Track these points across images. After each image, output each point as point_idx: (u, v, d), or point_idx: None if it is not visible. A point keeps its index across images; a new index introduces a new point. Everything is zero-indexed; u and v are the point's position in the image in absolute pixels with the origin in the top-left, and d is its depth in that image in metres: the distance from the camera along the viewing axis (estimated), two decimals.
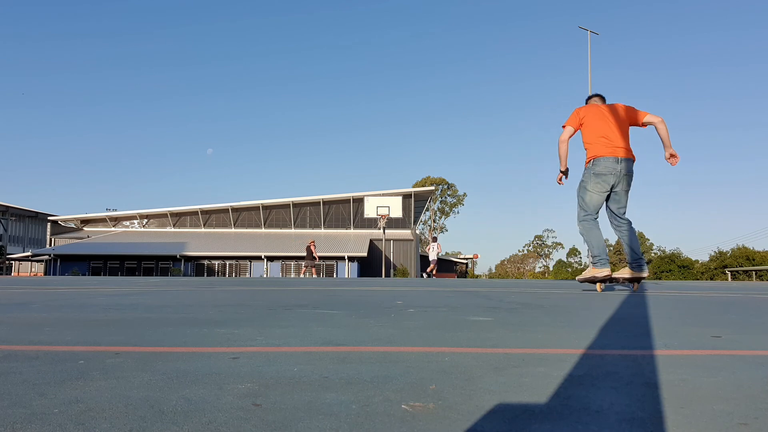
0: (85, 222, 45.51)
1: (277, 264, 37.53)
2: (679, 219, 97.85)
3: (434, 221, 70.83)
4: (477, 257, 45.47)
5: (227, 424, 0.77)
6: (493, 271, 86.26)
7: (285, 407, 0.86)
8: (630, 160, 5.16)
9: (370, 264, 38.56)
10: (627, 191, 5.19)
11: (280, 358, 1.31)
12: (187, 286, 6.71)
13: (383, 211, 29.27)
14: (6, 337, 1.67)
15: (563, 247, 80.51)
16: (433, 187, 48.98)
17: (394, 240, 39.82)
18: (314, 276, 25.40)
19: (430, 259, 21.79)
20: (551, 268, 71.40)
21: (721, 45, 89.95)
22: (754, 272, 31.53)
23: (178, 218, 44.23)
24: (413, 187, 54.51)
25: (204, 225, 43.83)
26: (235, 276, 34.99)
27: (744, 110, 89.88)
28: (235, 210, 43.45)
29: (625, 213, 5.25)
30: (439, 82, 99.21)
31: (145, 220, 44.70)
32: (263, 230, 43.26)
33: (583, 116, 5.31)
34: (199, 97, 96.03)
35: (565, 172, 5.45)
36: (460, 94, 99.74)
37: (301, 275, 23.82)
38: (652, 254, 59.19)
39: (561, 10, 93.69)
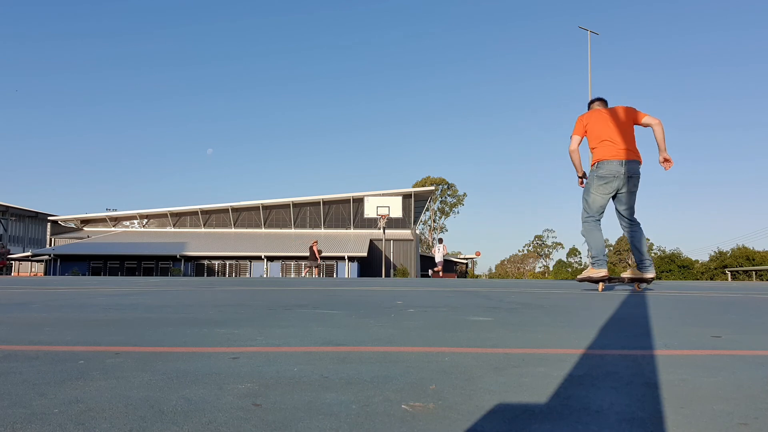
0: (85, 222, 45.50)
1: (277, 264, 37.51)
2: (679, 219, 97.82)
3: (434, 221, 70.85)
4: (479, 254, 45.33)
5: (227, 424, 0.77)
6: (493, 271, 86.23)
7: (285, 407, 0.86)
8: (635, 161, 5.17)
9: (370, 264, 38.55)
10: (633, 192, 5.21)
11: (280, 358, 1.31)
12: (187, 286, 6.71)
13: (383, 211, 29.25)
14: (6, 337, 1.67)
15: (563, 247, 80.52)
16: (433, 187, 48.91)
17: (394, 240, 39.80)
18: (315, 276, 25.39)
19: (437, 260, 21.61)
20: (551, 268, 71.33)
21: (721, 45, 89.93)
22: (754, 272, 31.54)
23: (178, 218, 44.22)
24: (413, 187, 54.47)
25: (204, 225, 43.82)
26: (235, 276, 34.99)
27: (744, 110, 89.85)
28: (235, 210, 43.43)
29: (632, 214, 5.27)
30: (439, 82, 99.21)
31: (145, 220, 44.68)
32: (263, 230, 43.24)
33: (586, 122, 5.42)
34: (199, 97, 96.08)
35: (583, 176, 5.66)
36: (460, 94, 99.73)
37: (303, 275, 23.82)
38: (652, 254, 59.18)
39: (561, 10, 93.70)
